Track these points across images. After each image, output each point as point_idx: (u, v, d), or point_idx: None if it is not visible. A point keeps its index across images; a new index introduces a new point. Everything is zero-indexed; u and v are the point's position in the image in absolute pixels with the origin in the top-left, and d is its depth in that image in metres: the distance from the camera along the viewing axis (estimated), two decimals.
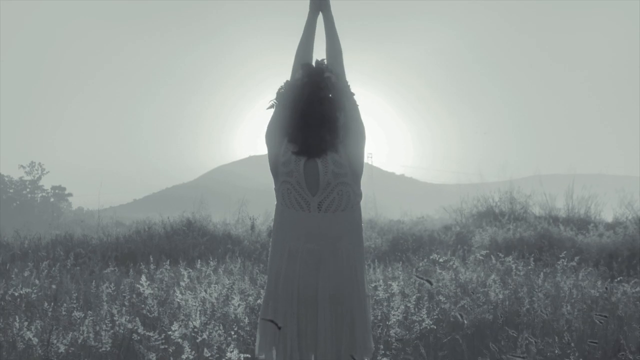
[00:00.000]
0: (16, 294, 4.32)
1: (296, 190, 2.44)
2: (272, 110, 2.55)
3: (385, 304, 4.33)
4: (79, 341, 3.37)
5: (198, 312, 3.67)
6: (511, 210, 14.61)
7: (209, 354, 3.22)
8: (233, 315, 4.09)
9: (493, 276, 4.94)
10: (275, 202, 2.53)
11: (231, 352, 2.90)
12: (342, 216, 2.44)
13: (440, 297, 4.50)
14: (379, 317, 4.13)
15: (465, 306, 4.35)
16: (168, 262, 5.92)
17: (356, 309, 2.44)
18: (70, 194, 49.40)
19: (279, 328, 2.21)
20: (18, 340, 3.35)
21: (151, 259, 7.27)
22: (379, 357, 3.27)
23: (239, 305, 4.12)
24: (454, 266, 6.01)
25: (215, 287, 4.89)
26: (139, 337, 3.35)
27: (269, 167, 2.56)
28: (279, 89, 2.53)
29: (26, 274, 6.03)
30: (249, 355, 3.05)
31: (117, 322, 3.65)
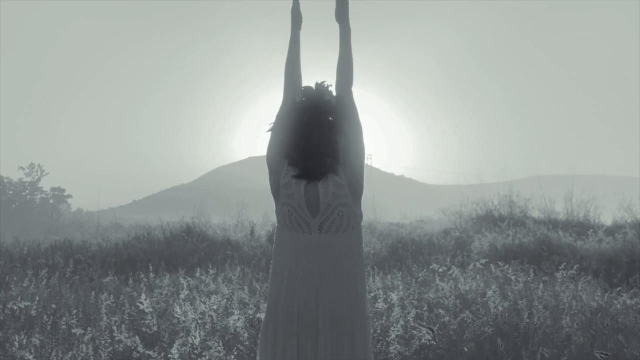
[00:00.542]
0: (15, 307, 4.31)
1: (297, 212, 2.44)
2: (273, 129, 2.55)
3: (384, 318, 4.32)
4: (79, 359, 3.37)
5: (198, 327, 3.67)
6: (510, 214, 14.61)
7: None
8: (233, 329, 4.09)
9: (493, 288, 4.94)
10: (276, 224, 2.54)
11: None
12: (343, 237, 2.45)
13: (440, 311, 4.50)
14: (379, 331, 4.13)
15: (465, 319, 4.35)
16: (168, 277, 5.88)
17: (357, 331, 2.44)
18: (69, 196, 49.37)
19: None
20: (17, 358, 3.34)
21: (150, 267, 7.27)
22: None
23: (238, 319, 4.12)
24: (454, 275, 6.01)
25: (214, 298, 4.90)
26: (138, 355, 3.35)
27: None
28: (279, 112, 2.53)
29: (25, 284, 6.02)
30: None
31: (116, 338, 3.64)
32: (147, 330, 3.89)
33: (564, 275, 5.70)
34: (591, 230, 10.14)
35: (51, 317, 4.31)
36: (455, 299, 5.06)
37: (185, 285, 5.55)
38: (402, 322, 3.97)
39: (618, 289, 5.45)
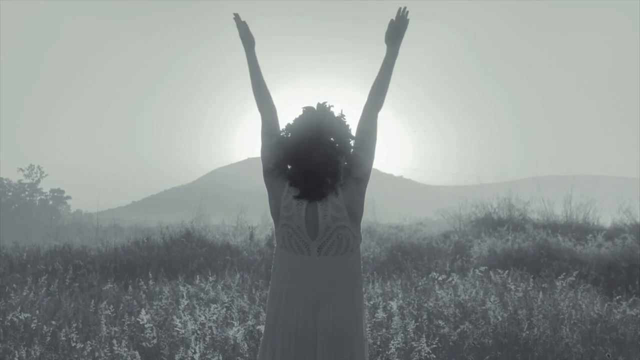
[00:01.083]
0: (15, 319, 4.31)
1: (296, 234, 2.45)
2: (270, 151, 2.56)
3: (384, 329, 4.33)
4: None
5: (197, 340, 3.67)
6: (510, 217, 14.62)
7: None
8: (232, 340, 4.09)
9: (492, 299, 4.94)
10: (275, 245, 2.54)
11: None
12: (342, 259, 2.45)
13: (440, 322, 4.50)
14: (378, 343, 4.13)
15: (465, 330, 4.35)
16: (167, 284, 5.87)
17: (355, 352, 2.44)
18: (68, 197, 49.37)
19: None
20: None
21: (150, 275, 7.28)
22: None
23: (238, 331, 4.12)
24: (453, 282, 6.02)
25: (214, 307, 4.90)
26: None
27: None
28: (281, 132, 2.54)
29: (25, 292, 6.03)
30: None
31: (115, 352, 3.64)
32: (147, 344, 3.89)
33: (564, 284, 5.70)
34: (590, 235, 10.15)
35: (51, 329, 4.30)
36: (455, 308, 5.06)
37: (184, 294, 5.56)
38: (402, 335, 3.97)
39: (618, 297, 5.45)
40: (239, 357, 3.82)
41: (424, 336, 3.94)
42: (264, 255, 9.98)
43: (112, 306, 4.95)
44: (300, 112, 2.53)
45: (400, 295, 5.71)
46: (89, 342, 3.83)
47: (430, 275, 6.10)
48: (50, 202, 48.33)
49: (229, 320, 4.71)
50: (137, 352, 3.38)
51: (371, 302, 5.50)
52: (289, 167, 2.49)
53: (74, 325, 4.42)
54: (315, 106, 2.52)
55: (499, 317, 4.66)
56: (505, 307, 5.07)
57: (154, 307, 5.14)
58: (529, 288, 5.60)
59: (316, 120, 2.47)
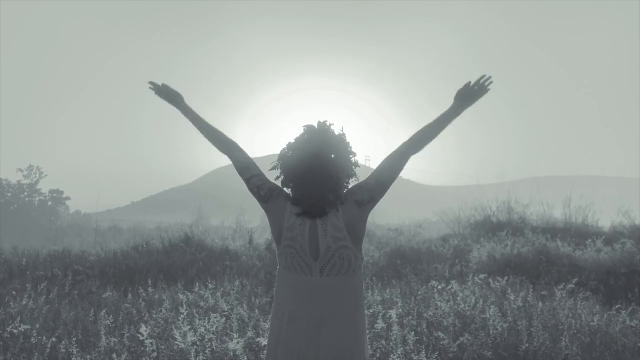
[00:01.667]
0: (15, 331, 4.31)
1: (299, 255, 2.46)
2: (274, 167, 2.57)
3: (383, 341, 4.33)
4: None
5: (197, 353, 3.67)
6: (509, 220, 14.63)
7: None
8: (232, 352, 4.09)
9: (492, 309, 4.94)
10: (278, 266, 2.55)
11: None
12: (344, 280, 2.46)
13: (439, 333, 4.49)
14: (378, 355, 4.13)
15: (465, 341, 4.35)
16: (167, 291, 5.86)
17: None
18: (67, 197, 49.36)
19: None
20: None
21: (149, 282, 7.27)
22: None
23: (237, 343, 4.12)
24: (452, 290, 6.02)
25: (213, 317, 4.89)
26: None
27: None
28: (282, 150, 2.55)
29: (24, 300, 6.02)
30: None
31: None
32: (147, 358, 3.89)
33: (563, 294, 5.71)
34: (589, 240, 10.15)
35: (50, 340, 4.30)
36: (455, 318, 5.06)
37: (184, 303, 5.56)
38: (401, 347, 3.97)
39: (617, 306, 5.45)
40: None
41: (423, 348, 3.94)
42: (263, 260, 9.98)
43: (111, 316, 4.95)
44: (301, 131, 2.54)
45: (399, 304, 5.71)
46: (88, 356, 3.82)
47: (429, 284, 6.10)
48: (49, 203, 48.30)
49: (228, 332, 4.71)
50: None
51: (371, 310, 5.50)
52: (290, 184, 2.50)
53: (74, 338, 4.41)
54: (315, 124, 2.53)
55: (499, 328, 4.66)
56: (505, 316, 5.07)
57: (154, 317, 5.14)
58: (528, 297, 5.60)
59: (317, 138, 2.49)
